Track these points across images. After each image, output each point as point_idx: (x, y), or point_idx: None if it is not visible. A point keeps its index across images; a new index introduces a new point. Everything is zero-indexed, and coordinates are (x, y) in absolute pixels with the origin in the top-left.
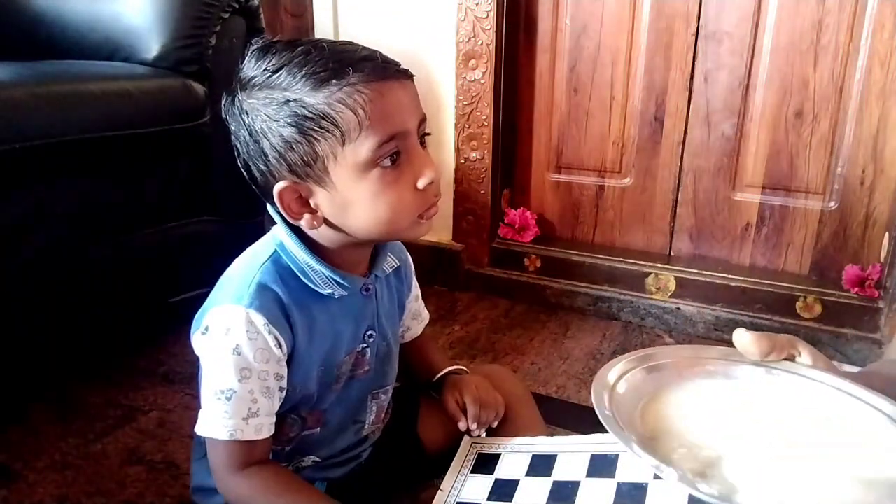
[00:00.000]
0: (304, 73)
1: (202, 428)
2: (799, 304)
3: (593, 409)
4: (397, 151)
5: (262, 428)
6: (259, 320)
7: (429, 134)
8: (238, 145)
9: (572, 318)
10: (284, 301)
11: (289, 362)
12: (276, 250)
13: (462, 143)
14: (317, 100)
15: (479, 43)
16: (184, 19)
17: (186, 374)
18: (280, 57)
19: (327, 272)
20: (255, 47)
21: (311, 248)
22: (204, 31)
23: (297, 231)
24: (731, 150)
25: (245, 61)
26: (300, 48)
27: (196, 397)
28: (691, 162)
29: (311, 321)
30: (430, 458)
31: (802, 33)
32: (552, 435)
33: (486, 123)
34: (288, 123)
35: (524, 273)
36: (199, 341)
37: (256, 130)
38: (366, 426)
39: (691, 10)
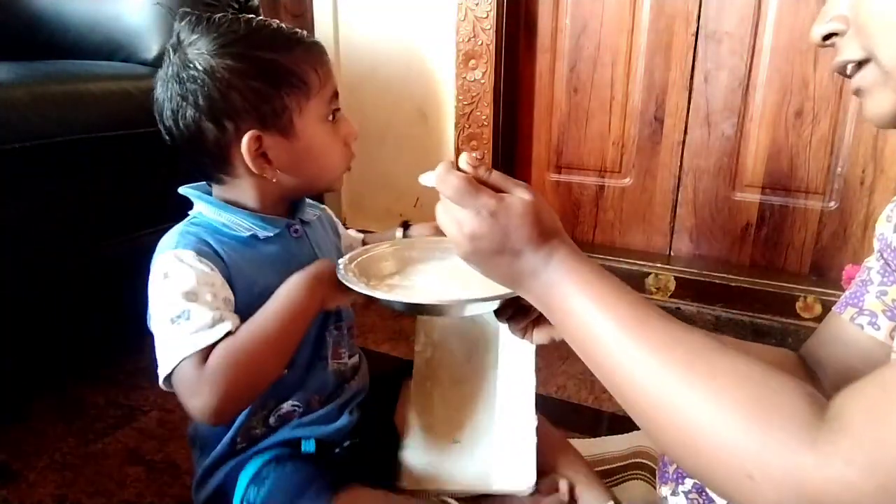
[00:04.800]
0: (277, 37)
1: (166, 365)
2: (799, 304)
3: (593, 410)
4: (337, 108)
5: (227, 324)
6: (188, 255)
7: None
8: (185, 107)
9: None
10: (213, 246)
11: (236, 304)
12: (192, 218)
13: (462, 143)
14: (289, 60)
15: (479, 43)
16: None
17: None
18: (237, 26)
19: (247, 219)
20: (196, 19)
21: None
22: None
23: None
24: (731, 150)
25: (193, 31)
26: (255, 22)
27: None
28: (691, 162)
29: (247, 262)
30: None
31: (802, 33)
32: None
33: (486, 123)
34: (262, 80)
35: None
36: (151, 320)
37: (223, 87)
38: (328, 363)
39: (691, 10)
